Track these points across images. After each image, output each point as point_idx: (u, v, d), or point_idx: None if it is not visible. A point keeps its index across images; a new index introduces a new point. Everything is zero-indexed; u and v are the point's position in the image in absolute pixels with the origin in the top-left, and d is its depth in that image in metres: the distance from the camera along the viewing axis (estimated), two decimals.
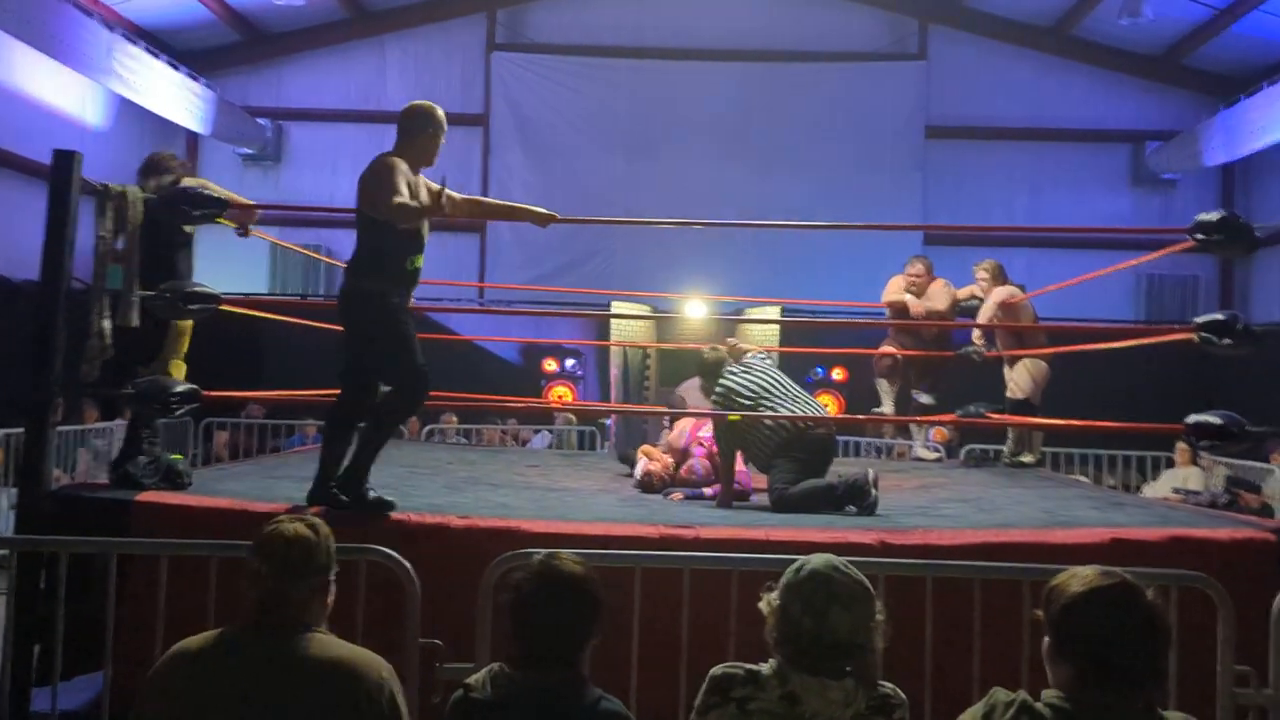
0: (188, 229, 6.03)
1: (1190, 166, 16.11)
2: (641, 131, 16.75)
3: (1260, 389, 12.06)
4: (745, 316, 14.50)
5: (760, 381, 6.44)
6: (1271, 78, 13.90)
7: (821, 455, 6.44)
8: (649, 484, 6.98)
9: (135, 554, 4.44)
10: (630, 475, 7.42)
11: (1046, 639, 2.59)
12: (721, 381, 6.48)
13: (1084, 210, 16.59)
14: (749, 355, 6.80)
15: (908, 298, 8.96)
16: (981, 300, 8.67)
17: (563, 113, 16.88)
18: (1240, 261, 16.31)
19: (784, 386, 6.50)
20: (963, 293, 9.00)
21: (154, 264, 5.73)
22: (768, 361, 6.91)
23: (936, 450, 10.39)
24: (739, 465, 6.59)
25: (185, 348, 6.04)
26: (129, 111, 14.91)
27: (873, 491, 5.88)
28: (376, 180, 5.18)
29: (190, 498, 5.22)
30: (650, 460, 7.19)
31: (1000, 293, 8.46)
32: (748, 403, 6.33)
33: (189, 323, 5.98)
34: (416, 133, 5.44)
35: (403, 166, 5.26)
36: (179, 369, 5.95)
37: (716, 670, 2.80)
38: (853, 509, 5.90)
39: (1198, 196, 16.48)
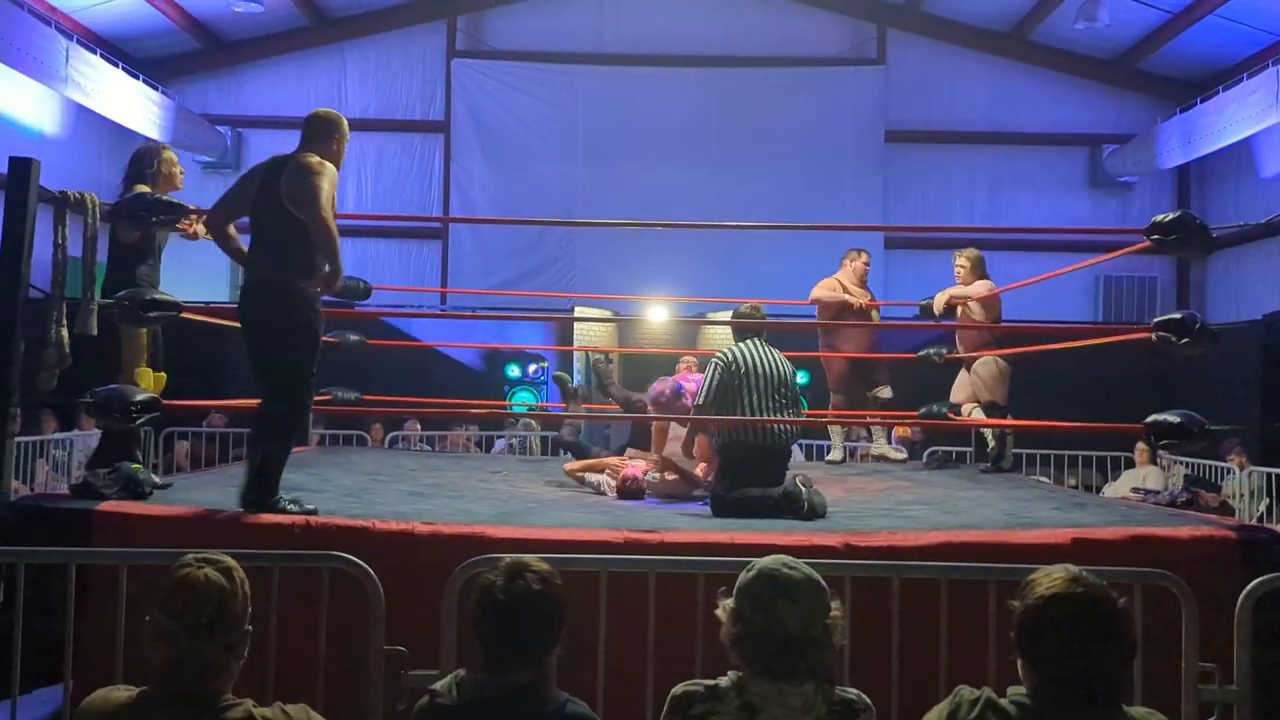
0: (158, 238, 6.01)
1: (1147, 169, 16.29)
2: (601, 137, 16.76)
3: (1216, 389, 12.20)
4: (707, 319, 14.54)
5: (758, 362, 6.35)
6: (1227, 81, 14.08)
7: (774, 462, 6.33)
8: (633, 489, 6.88)
9: (96, 564, 4.39)
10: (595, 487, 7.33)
11: (1014, 634, 2.61)
12: (730, 348, 6.42)
13: (1042, 213, 16.75)
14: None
15: (853, 291, 8.97)
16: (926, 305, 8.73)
17: (523, 119, 16.87)
18: (1196, 263, 16.50)
19: (772, 375, 6.36)
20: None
21: (126, 277, 5.75)
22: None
23: (901, 450, 10.34)
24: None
25: (144, 357, 5.97)
26: (87, 120, 14.77)
27: (804, 499, 5.86)
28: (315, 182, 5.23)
29: (151, 507, 5.17)
30: (625, 465, 7.11)
31: (981, 287, 8.45)
32: (732, 377, 6.27)
33: (143, 332, 5.91)
34: (326, 138, 5.49)
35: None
36: (145, 378, 5.88)
37: (677, 689, 2.80)
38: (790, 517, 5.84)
39: (1154, 198, 16.71)
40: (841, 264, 9.20)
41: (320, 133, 5.48)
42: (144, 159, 6.15)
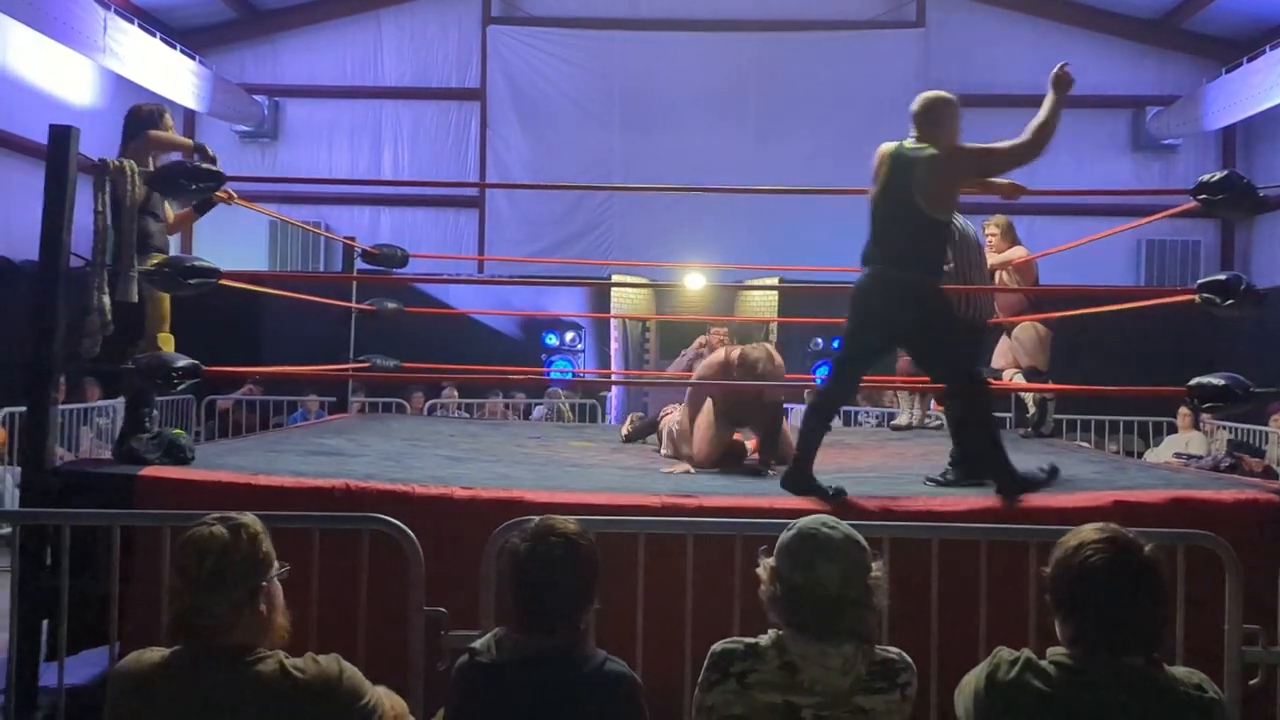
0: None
1: (1191, 131, 16.02)
2: (638, 103, 16.66)
3: (1261, 352, 12.06)
4: (745, 285, 14.49)
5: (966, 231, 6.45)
6: (1273, 40, 13.83)
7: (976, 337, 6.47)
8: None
9: (139, 527, 4.45)
10: (658, 451, 7.41)
11: (1048, 595, 2.61)
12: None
13: (1084, 176, 16.50)
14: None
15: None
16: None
17: (559, 85, 16.80)
18: (1241, 226, 16.26)
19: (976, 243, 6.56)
20: None
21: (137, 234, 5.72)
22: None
23: (938, 420, 10.29)
24: None
25: (167, 323, 5.96)
26: (125, 90, 14.81)
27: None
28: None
29: (193, 472, 5.22)
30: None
31: (1018, 252, 8.41)
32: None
33: (165, 297, 5.89)
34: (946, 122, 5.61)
35: None
36: (168, 343, 5.89)
37: (717, 646, 2.80)
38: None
39: (1198, 161, 16.43)
40: None
41: (933, 119, 5.68)
42: (148, 119, 6.02)
